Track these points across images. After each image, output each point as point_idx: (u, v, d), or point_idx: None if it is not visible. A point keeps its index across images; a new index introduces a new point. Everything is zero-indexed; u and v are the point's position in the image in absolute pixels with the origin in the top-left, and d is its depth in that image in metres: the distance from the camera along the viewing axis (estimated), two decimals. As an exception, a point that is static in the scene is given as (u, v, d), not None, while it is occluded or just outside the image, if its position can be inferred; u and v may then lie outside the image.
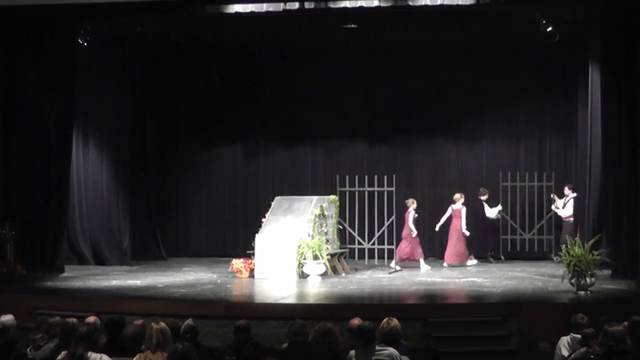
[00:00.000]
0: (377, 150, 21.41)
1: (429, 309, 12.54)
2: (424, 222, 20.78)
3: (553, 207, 19.37)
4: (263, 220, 17.24)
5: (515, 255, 19.69)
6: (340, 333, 8.72)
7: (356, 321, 8.98)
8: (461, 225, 18.60)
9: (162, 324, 7.56)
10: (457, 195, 18.92)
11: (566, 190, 19.07)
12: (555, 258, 18.50)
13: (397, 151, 21.25)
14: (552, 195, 19.47)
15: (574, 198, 18.87)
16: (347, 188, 18.72)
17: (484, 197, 19.42)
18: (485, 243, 19.43)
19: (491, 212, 19.42)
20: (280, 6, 16.26)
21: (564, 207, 19.05)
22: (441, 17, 17.38)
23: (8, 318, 9.10)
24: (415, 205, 18.51)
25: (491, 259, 19.23)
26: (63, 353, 7.63)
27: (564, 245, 14.09)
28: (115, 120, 19.77)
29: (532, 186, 19.87)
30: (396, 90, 20.71)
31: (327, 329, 8.28)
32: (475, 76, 20.41)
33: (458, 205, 18.79)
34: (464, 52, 20.19)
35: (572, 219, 18.85)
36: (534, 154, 20.69)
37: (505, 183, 19.66)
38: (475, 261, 18.79)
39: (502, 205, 19.58)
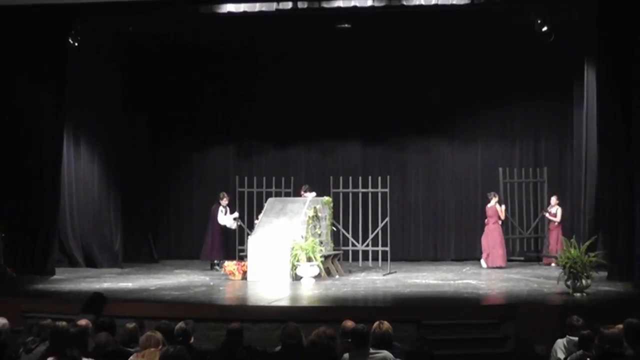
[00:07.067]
0: (370, 151, 21.43)
1: (424, 311, 12.51)
2: (419, 223, 20.91)
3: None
4: (256, 221, 17.22)
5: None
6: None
7: (349, 323, 8.95)
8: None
9: (158, 334, 7.57)
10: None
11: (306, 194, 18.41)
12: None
13: (391, 152, 21.27)
14: (302, 192, 18.52)
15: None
16: (341, 189, 18.72)
17: (223, 202, 18.75)
18: (212, 249, 18.68)
19: (224, 220, 18.72)
20: (273, 6, 16.26)
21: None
22: (435, 17, 17.38)
23: (2, 322, 9.07)
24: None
25: (217, 267, 18.30)
26: (51, 359, 7.58)
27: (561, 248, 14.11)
28: (107, 121, 19.72)
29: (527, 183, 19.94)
30: (390, 90, 20.72)
31: (328, 334, 8.24)
32: (469, 76, 20.44)
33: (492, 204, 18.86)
34: (458, 52, 20.23)
35: None
36: (529, 155, 20.71)
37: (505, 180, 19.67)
38: None
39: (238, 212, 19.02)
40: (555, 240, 18.64)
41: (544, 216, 19.40)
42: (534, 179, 19.89)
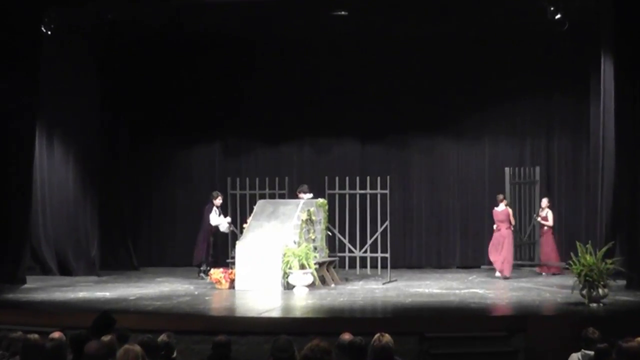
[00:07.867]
0: (369, 149, 21.43)
1: (427, 323, 12.51)
2: (421, 227, 20.91)
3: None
4: (245, 225, 17.21)
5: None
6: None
7: (347, 336, 8.95)
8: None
9: (137, 347, 7.54)
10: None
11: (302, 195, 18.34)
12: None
13: (392, 151, 21.29)
14: (298, 193, 18.43)
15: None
16: (337, 191, 18.68)
17: (216, 201, 18.68)
18: (202, 252, 18.60)
19: (218, 221, 18.58)
20: (264, -9, 16.29)
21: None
22: (440, 4, 17.39)
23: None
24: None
25: (202, 274, 18.15)
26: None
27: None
28: (83, 118, 19.66)
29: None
30: (390, 84, 20.70)
31: (323, 347, 8.23)
32: (476, 69, 20.44)
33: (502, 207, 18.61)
34: (464, 43, 20.23)
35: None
36: (541, 155, 20.71)
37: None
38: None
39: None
40: (549, 246, 18.68)
41: (537, 221, 19.28)
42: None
